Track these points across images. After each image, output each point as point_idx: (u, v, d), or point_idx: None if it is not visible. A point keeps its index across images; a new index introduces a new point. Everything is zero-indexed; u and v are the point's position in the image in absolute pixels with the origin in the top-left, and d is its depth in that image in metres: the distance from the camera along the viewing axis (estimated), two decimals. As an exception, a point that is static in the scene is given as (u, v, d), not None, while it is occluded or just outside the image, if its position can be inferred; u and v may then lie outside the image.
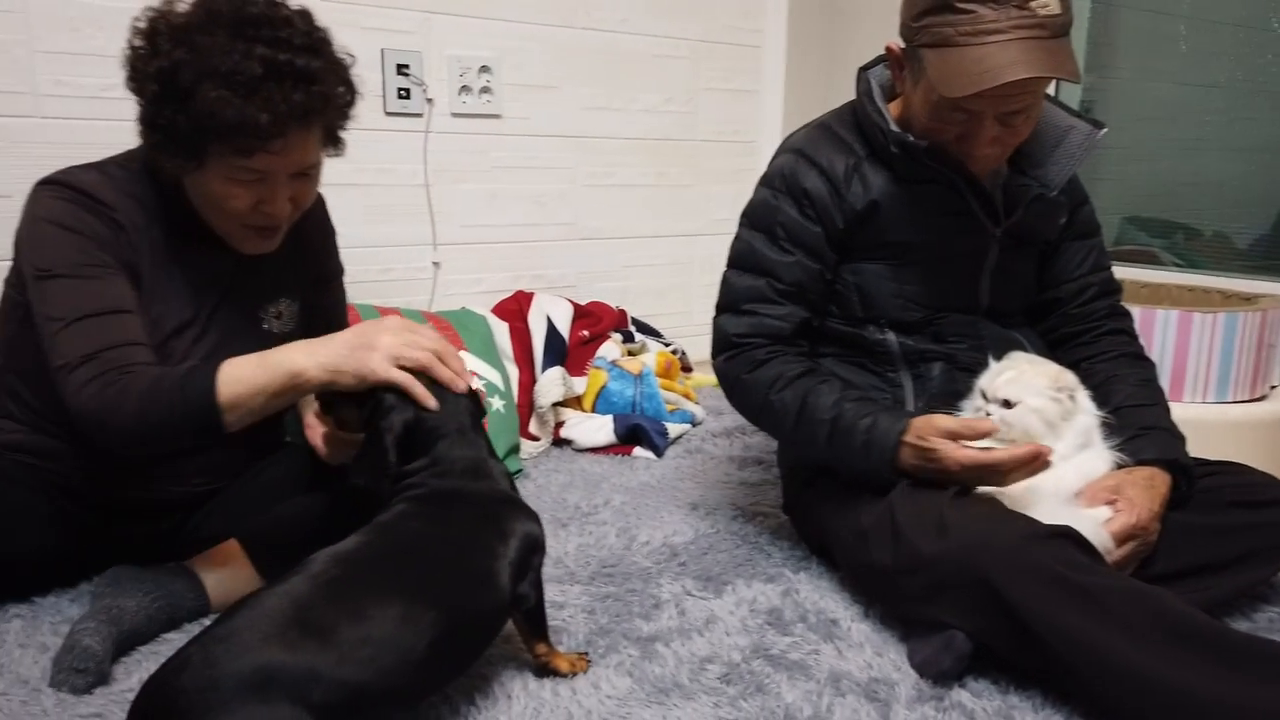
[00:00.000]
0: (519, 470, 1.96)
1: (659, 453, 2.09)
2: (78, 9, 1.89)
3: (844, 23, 2.95)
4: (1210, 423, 1.84)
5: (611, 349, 2.28)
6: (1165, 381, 1.86)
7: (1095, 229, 1.59)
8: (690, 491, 1.89)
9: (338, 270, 1.58)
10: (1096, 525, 1.28)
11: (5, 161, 1.87)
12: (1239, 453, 1.71)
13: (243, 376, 1.16)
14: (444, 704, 1.14)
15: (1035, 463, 1.28)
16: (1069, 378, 1.38)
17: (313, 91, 1.20)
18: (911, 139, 1.39)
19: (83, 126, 1.93)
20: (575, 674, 1.21)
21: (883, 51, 1.47)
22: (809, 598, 1.44)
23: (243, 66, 1.15)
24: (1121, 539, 1.29)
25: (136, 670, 1.19)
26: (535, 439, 2.10)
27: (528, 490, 1.87)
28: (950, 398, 1.45)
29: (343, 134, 1.35)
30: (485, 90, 2.38)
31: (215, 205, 1.26)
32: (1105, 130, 1.44)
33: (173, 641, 1.25)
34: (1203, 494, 1.40)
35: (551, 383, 2.10)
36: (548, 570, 1.50)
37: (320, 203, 1.51)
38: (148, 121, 1.21)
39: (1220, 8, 2.48)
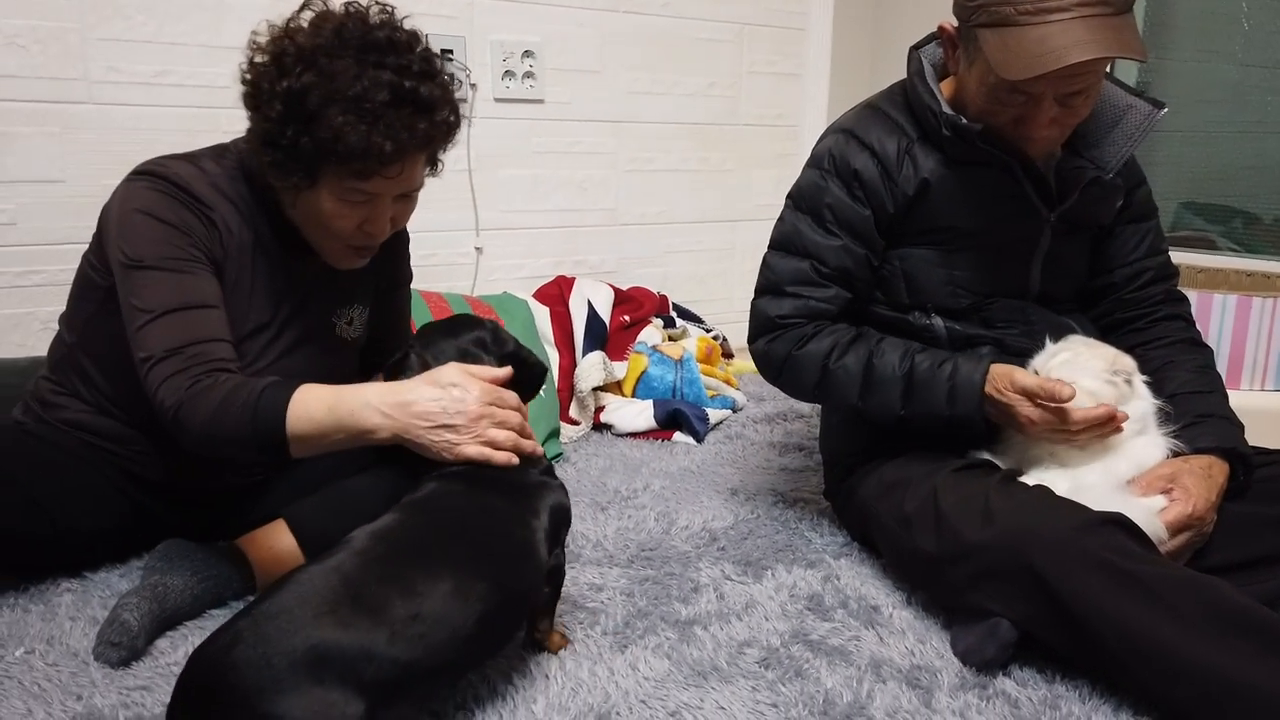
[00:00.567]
0: (559, 454, 1.96)
1: (699, 438, 2.07)
2: (129, -4, 1.93)
3: (890, 4, 2.89)
4: (1269, 410, 1.78)
5: (652, 334, 2.27)
6: (1222, 368, 1.81)
7: (1152, 211, 1.54)
8: (730, 477, 1.88)
9: (408, 277, 1.58)
10: (1150, 514, 1.25)
11: (61, 148, 1.91)
12: (1300, 443, 1.66)
13: (313, 417, 1.13)
14: (482, 684, 1.15)
15: (1108, 426, 1.28)
16: (1126, 361, 1.35)
17: (435, 120, 1.22)
18: (964, 121, 1.35)
19: (135, 113, 1.97)
20: (558, 652, 1.22)
21: (932, 31, 1.44)
22: (850, 584, 1.42)
23: (370, 93, 1.16)
24: (1176, 529, 1.26)
25: (182, 644, 1.21)
26: (575, 423, 2.10)
27: (567, 474, 1.87)
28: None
29: (441, 156, 1.36)
30: (528, 75, 2.38)
31: (320, 223, 1.26)
32: (1166, 110, 1.39)
33: (218, 617, 1.27)
34: (1261, 484, 1.36)
35: (592, 367, 2.10)
36: (587, 553, 1.52)
37: None
38: (267, 139, 1.20)
39: (1286, -15, 2.40)
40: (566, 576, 1.41)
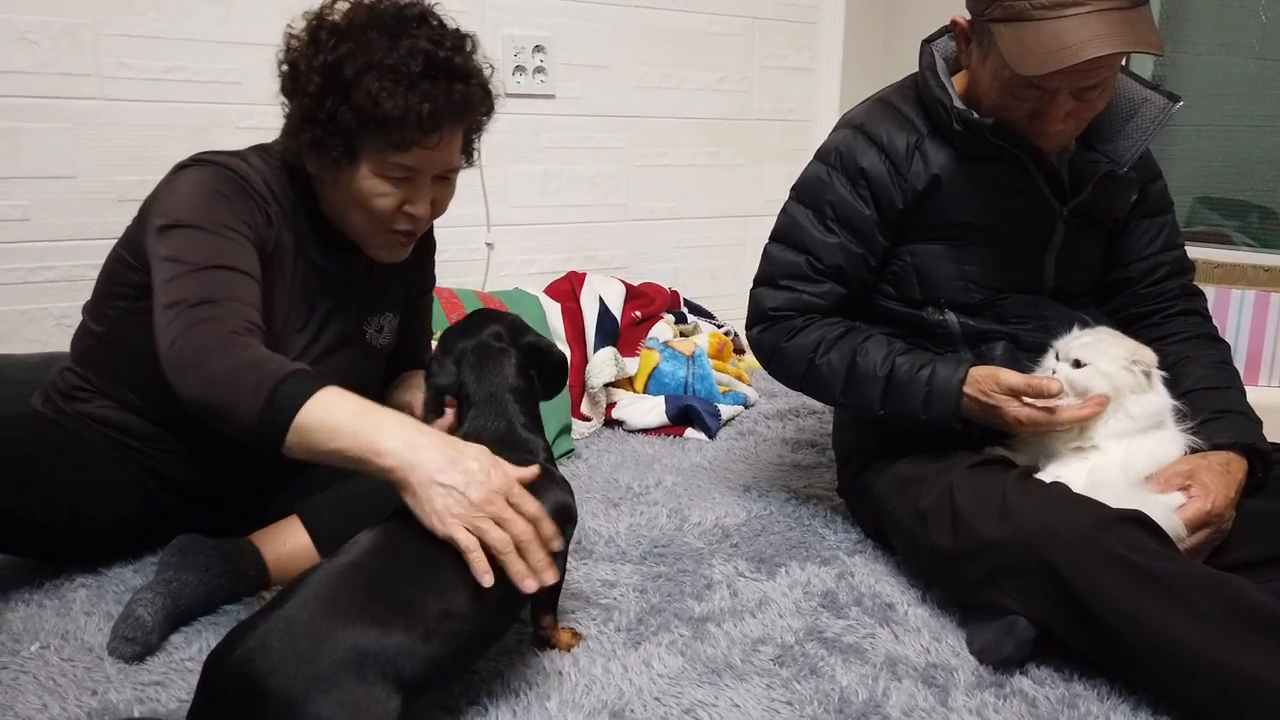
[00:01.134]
0: (570, 450, 1.96)
1: (711, 434, 2.07)
2: (140, -9, 1.93)
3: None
4: (1287, 408, 1.77)
5: (664, 330, 2.26)
6: (1240, 364, 1.79)
7: (1167, 205, 1.53)
8: (743, 473, 1.87)
9: (431, 283, 1.59)
10: (1168, 511, 1.24)
11: (72, 144, 1.91)
12: (1318, 439, 1.64)
13: (333, 415, 1.03)
14: (496, 680, 1.14)
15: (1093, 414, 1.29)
16: (1148, 354, 1.34)
17: (471, 86, 1.23)
18: (976, 116, 1.34)
19: (146, 108, 1.97)
20: (570, 649, 1.21)
21: (945, 24, 1.43)
22: (864, 581, 1.42)
23: (405, 61, 1.17)
24: (1195, 526, 1.25)
25: (196, 640, 1.21)
26: (587, 419, 2.10)
27: (579, 470, 1.87)
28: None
29: (476, 142, 1.36)
30: (539, 70, 2.37)
31: (361, 205, 1.25)
32: (1182, 103, 1.38)
33: (232, 613, 1.27)
34: (1280, 481, 1.34)
35: (603, 363, 2.09)
36: (599, 549, 1.51)
37: None
38: (307, 116, 1.20)
39: (1304, -23, 2.37)
40: (579, 573, 1.42)
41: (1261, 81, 2.46)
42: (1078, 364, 1.32)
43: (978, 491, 1.28)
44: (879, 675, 1.17)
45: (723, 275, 2.79)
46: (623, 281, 2.36)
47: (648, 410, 2.09)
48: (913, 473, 1.41)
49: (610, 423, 2.14)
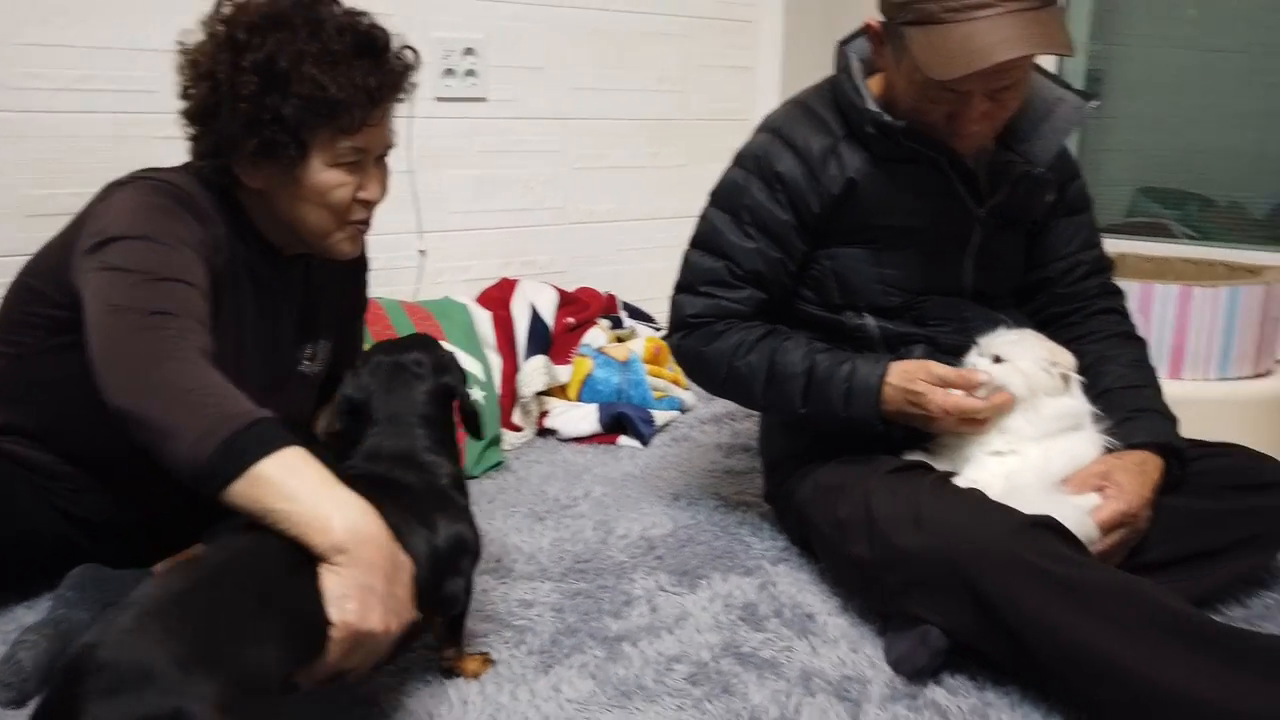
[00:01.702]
0: (499, 462, 1.93)
1: (645, 441, 2.04)
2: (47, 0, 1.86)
3: (840, -6, 2.86)
4: (1211, 401, 1.77)
5: (598, 335, 2.23)
6: (1165, 358, 1.80)
7: (1086, 204, 1.52)
8: (674, 481, 1.85)
9: (364, 305, 1.55)
10: (1082, 513, 1.23)
11: (-23, 157, 1.85)
12: (1242, 431, 1.65)
13: (289, 483, 0.95)
14: (398, 709, 1.11)
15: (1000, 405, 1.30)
16: (1068, 358, 1.34)
17: (400, 55, 1.24)
18: (888, 119, 1.33)
19: (57, 119, 1.91)
20: (478, 677, 1.17)
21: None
22: (786, 591, 1.40)
23: (335, 41, 1.16)
24: (1111, 526, 1.24)
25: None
26: (519, 429, 2.07)
27: (507, 482, 1.84)
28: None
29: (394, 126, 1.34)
30: (470, 73, 2.33)
31: (319, 201, 1.21)
32: (1095, 102, 1.37)
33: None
34: (1197, 477, 1.35)
35: (534, 371, 2.06)
36: (520, 567, 1.48)
37: None
38: (248, 122, 1.14)
39: (1230, -31, 2.39)
40: (496, 593, 1.39)
41: (1193, 72, 2.48)
42: (998, 360, 1.33)
43: (894, 500, 1.26)
44: (792, 691, 1.15)
45: (665, 277, 2.73)
46: (556, 287, 2.32)
47: (580, 418, 2.06)
48: (833, 480, 1.39)
49: (543, 432, 2.11)
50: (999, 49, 1.18)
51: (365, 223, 1.28)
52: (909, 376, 1.32)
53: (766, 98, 2.82)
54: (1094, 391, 1.37)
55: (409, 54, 1.27)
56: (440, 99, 2.31)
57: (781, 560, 1.50)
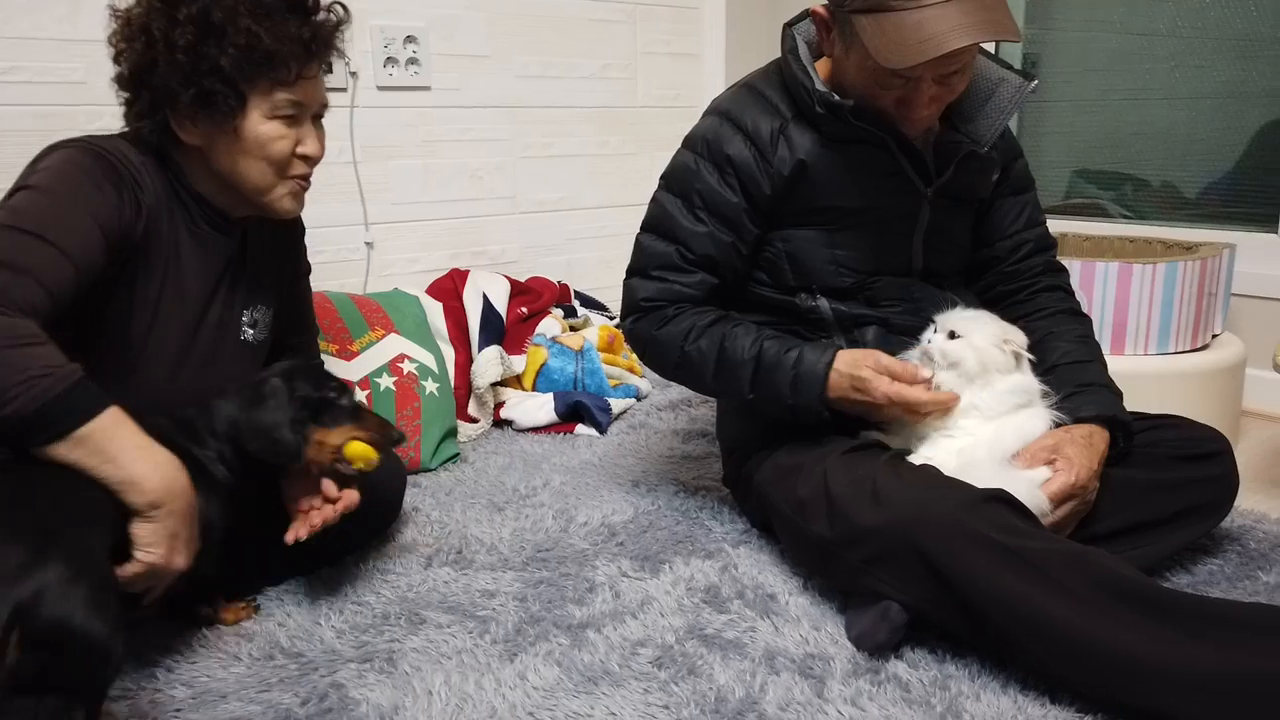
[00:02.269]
0: (455, 455, 1.91)
1: (602, 429, 2.04)
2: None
3: (784, -20, 2.88)
4: (1152, 374, 1.82)
5: (551, 325, 2.22)
6: (1106, 334, 1.84)
7: (1029, 184, 1.55)
8: (632, 468, 1.85)
9: (307, 268, 1.55)
10: (1033, 487, 1.26)
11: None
12: (1183, 403, 1.70)
13: (113, 443, 1.02)
14: (364, 702, 1.10)
15: (950, 405, 1.33)
16: (1020, 337, 1.37)
17: (332, 10, 1.26)
18: (837, 98, 1.34)
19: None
20: (239, 621, 1.27)
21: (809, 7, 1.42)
22: (747, 573, 1.41)
23: None
24: (1061, 499, 1.27)
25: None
26: (474, 421, 2.05)
27: (465, 474, 1.82)
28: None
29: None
30: (412, 61, 2.30)
31: (258, 154, 1.23)
32: (1036, 83, 1.40)
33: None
34: (1142, 449, 1.38)
35: (489, 362, 2.04)
36: (481, 558, 1.47)
37: None
38: (186, 74, 1.17)
39: (1159, -47, 2.45)
40: (458, 585, 1.38)
41: (1126, 55, 2.53)
42: (954, 335, 1.35)
43: (851, 478, 1.28)
44: (757, 670, 1.16)
45: (618, 265, 2.72)
46: (508, 277, 2.30)
47: (537, 408, 2.05)
48: (791, 461, 1.40)
49: (499, 423, 2.09)
50: (951, 37, 1.19)
51: (305, 179, 1.30)
52: (855, 363, 1.34)
53: (713, 84, 2.83)
54: (1042, 367, 1.40)
55: (339, 9, 1.28)
56: (382, 88, 2.28)
57: (742, 543, 1.51)
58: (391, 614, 1.30)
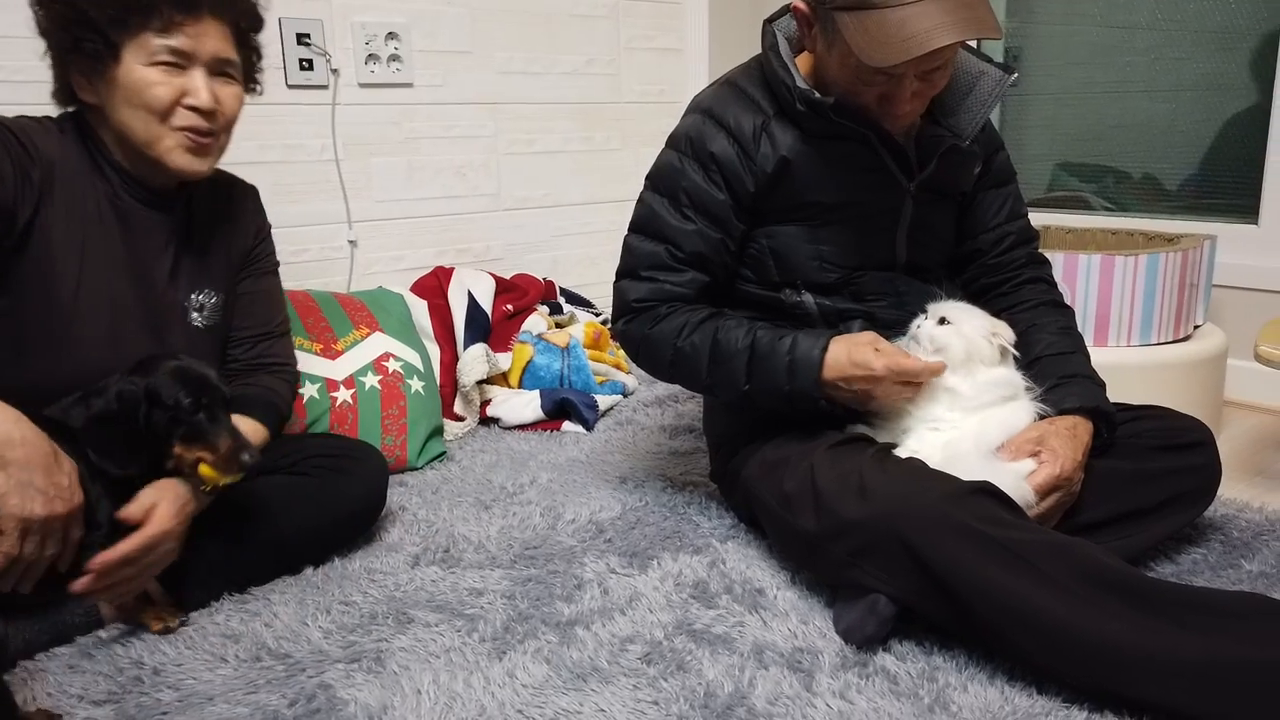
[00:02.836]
0: (442, 453, 1.90)
1: (589, 426, 2.04)
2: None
3: (766, -25, 2.88)
4: (1135, 365, 1.84)
5: (537, 322, 2.22)
6: (1090, 326, 1.86)
7: (1011, 176, 1.56)
8: (620, 464, 1.85)
9: (270, 264, 1.53)
10: (1019, 479, 1.26)
11: None
12: (1165, 394, 1.72)
13: None
14: (352, 702, 1.09)
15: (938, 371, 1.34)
16: (1008, 332, 1.38)
17: None
18: (818, 95, 1.34)
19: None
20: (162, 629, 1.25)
21: (787, 3, 1.42)
22: (735, 568, 1.41)
23: None
24: (1046, 490, 1.28)
25: (21, 689, 1.12)
26: (461, 419, 2.04)
27: (451, 472, 1.81)
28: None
29: (258, 63, 1.38)
30: (394, 58, 2.29)
31: (137, 101, 1.23)
32: (1015, 75, 1.40)
33: (62, 656, 1.19)
34: (1126, 440, 1.39)
35: (474, 360, 2.04)
36: (469, 556, 1.47)
37: (254, 193, 1.51)
38: (64, 25, 1.19)
39: (1138, -53, 2.46)
40: (446, 583, 1.38)
41: (1106, 48, 2.55)
42: (944, 321, 1.37)
43: (838, 472, 1.28)
44: (746, 665, 1.17)
45: (603, 261, 2.76)
46: (493, 275, 2.30)
47: (523, 406, 2.05)
48: (778, 455, 1.40)
49: (485, 420, 2.09)
50: (935, 35, 1.19)
51: (198, 133, 1.28)
52: (855, 341, 1.35)
53: (696, 79, 2.83)
54: (1026, 359, 1.41)
55: None
56: (364, 85, 2.27)
57: (730, 538, 1.51)
58: (379, 613, 1.30)
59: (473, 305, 2.14)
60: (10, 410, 1.07)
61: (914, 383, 1.34)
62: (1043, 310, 1.49)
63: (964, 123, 1.42)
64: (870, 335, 1.36)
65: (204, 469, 1.22)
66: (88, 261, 1.25)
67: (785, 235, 1.44)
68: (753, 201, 1.42)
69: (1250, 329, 2.15)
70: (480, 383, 2.08)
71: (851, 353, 1.33)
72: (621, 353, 2.38)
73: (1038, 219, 1.71)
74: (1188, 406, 1.50)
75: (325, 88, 2.21)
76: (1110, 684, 1.06)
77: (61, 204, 1.23)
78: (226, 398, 1.25)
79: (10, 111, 1.79)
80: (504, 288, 2.27)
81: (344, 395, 1.80)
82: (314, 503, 1.41)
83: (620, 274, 1.50)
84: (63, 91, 1.28)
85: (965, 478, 1.21)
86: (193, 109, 1.26)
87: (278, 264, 1.54)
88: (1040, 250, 1.59)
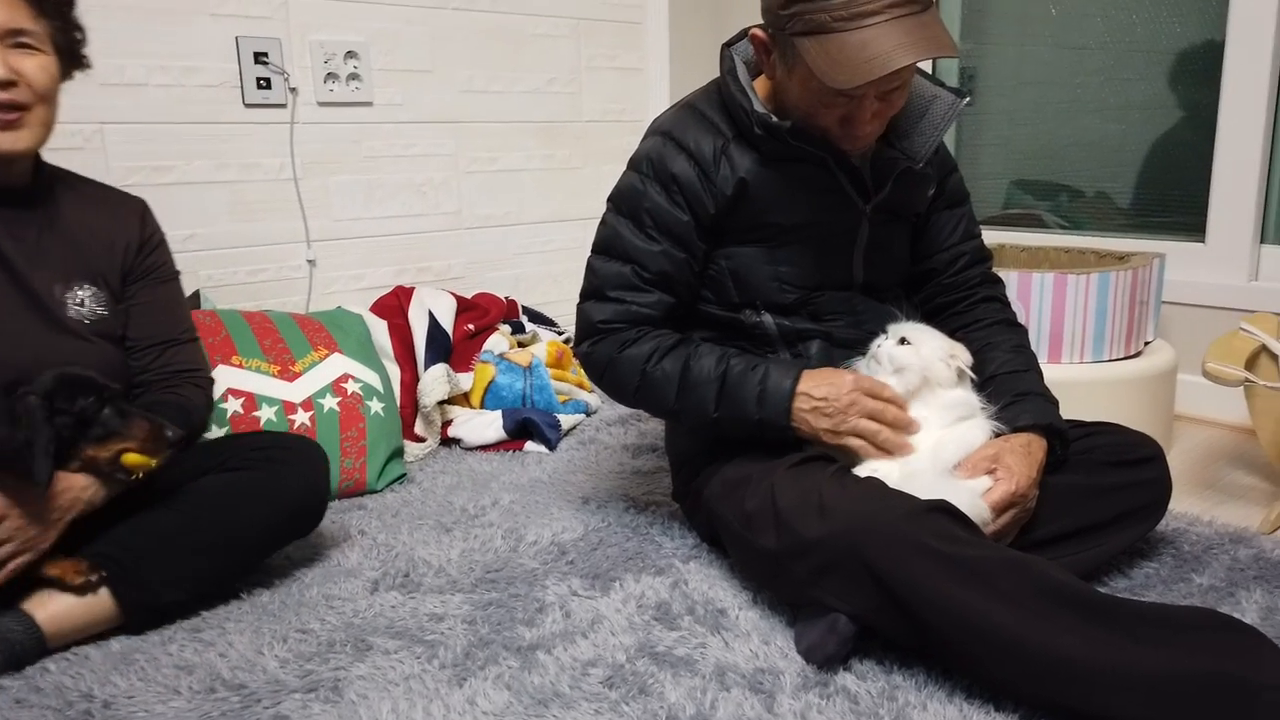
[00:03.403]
0: (402, 475, 1.88)
1: (551, 446, 2.03)
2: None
3: (726, -5, 2.91)
4: (1088, 381, 1.87)
5: (499, 341, 2.21)
6: (1044, 343, 1.89)
7: (964, 197, 1.58)
8: (582, 484, 1.84)
9: (165, 273, 1.48)
10: (975, 496, 1.28)
11: None
12: (1117, 409, 1.75)
13: None
14: (308, 736, 1.08)
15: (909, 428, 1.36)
16: (965, 355, 1.40)
17: None
18: (775, 120, 1.35)
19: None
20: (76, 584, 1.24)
21: (746, 27, 1.43)
22: (698, 588, 1.41)
23: None
24: (1002, 507, 1.29)
25: (-34, 728, 1.10)
26: (421, 440, 2.03)
27: (412, 495, 1.80)
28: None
29: (80, 42, 1.35)
30: (354, 77, 2.28)
31: None
32: (968, 99, 1.43)
33: (10, 689, 1.16)
34: (1079, 456, 1.41)
35: (435, 380, 2.02)
36: (429, 580, 1.45)
37: (141, 204, 1.47)
38: None
39: (1084, -31, 2.52)
40: (405, 609, 1.36)
41: (1058, 69, 2.60)
42: (904, 341, 1.38)
43: (798, 491, 1.29)
44: (708, 687, 1.17)
45: (565, 279, 2.76)
46: (454, 294, 2.29)
47: (485, 426, 2.03)
48: (739, 475, 1.41)
49: (447, 441, 2.07)
50: (894, 56, 1.21)
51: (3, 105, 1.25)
52: (827, 370, 1.37)
53: (657, 98, 2.85)
54: (981, 377, 1.43)
55: None
56: (323, 103, 2.25)
57: (692, 558, 1.51)
58: (337, 641, 1.28)
59: (433, 325, 2.13)
60: None
61: (884, 420, 1.35)
62: (997, 329, 1.52)
63: (918, 145, 1.44)
64: (840, 369, 1.39)
65: (129, 458, 1.22)
66: None
67: (744, 256, 1.45)
68: (713, 223, 1.43)
69: (1199, 344, 2.20)
70: (441, 403, 2.06)
71: (823, 375, 1.36)
72: (584, 371, 2.38)
73: (993, 237, 1.74)
74: (1140, 421, 1.53)
75: (283, 106, 2.19)
76: (1065, 698, 1.07)
77: None
78: (118, 391, 1.25)
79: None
80: (465, 307, 2.26)
81: (302, 418, 1.78)
82: (257, 493, 1.38)
83: (585, 295, 1.50)
84: None
85: (923, 496, 1.22)
86: None
87: (177, 273, 1.51)
88: (995, 269, 1.61)
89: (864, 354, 1.43)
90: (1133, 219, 2.50)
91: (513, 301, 2.45)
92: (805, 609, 1.27)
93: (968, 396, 1.39)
